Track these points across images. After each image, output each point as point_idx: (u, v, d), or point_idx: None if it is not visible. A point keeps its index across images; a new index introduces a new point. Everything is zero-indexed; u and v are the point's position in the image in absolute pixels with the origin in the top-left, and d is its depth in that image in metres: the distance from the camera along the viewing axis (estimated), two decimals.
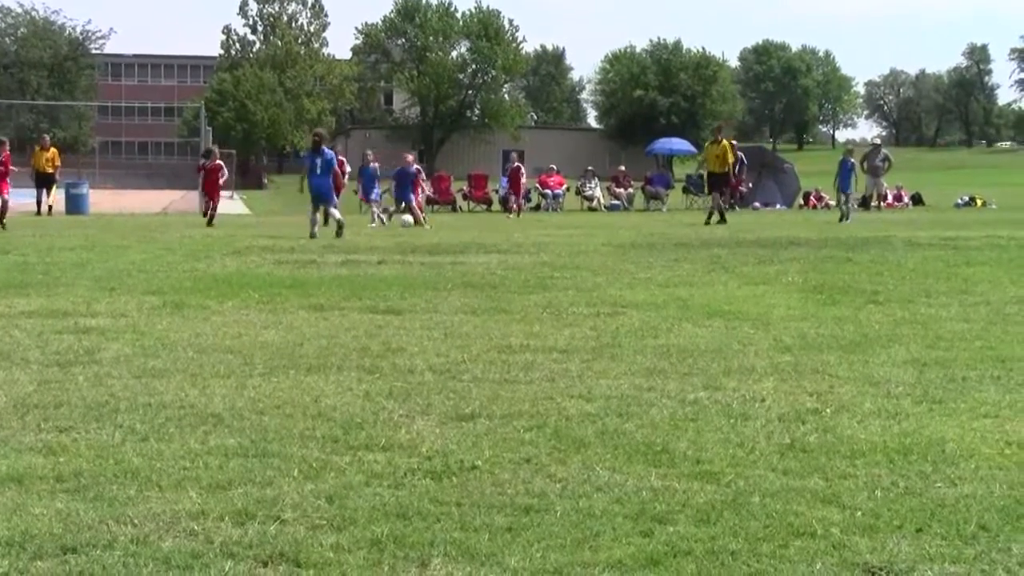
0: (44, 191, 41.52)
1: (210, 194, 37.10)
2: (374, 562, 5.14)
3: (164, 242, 23.93)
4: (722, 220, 33.67)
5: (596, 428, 7.61)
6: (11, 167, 33.10)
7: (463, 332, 11.73)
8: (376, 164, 38.91)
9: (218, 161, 37.96)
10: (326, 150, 29.13)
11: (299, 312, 13.29)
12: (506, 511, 5.84)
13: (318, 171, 28.17)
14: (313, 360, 10.10)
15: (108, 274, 17.84)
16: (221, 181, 37.93)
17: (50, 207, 40.63)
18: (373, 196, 38.10)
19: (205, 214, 36.02)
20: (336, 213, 28.12)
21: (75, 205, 45.71)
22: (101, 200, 52.35)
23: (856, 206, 40.66)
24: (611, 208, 54.29)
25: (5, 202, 31.78)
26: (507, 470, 6.59)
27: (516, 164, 46.87)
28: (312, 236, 26.04)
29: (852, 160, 39.23)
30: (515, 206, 44.78)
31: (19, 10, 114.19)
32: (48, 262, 20.30)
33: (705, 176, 40.71)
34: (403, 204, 34.44)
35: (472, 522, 5.67)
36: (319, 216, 28.38)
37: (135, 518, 5.69)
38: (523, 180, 47.49)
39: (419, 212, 34.80)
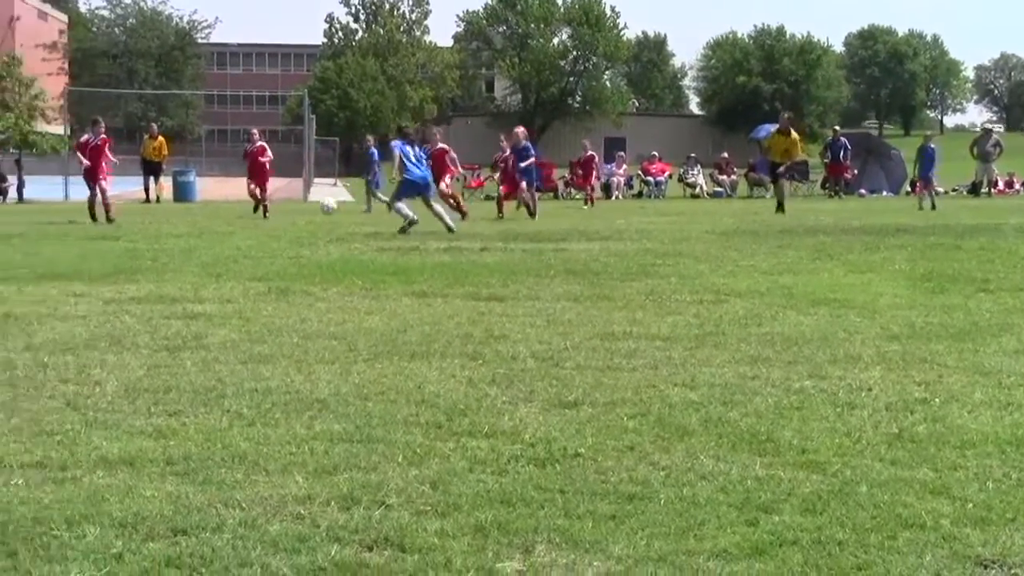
0: (152, 179, 41.95)
1: (258, 179, 34.52)
2: (478, 548, 5.15)
3: (269, 229, 24.10)
4: (780, 209, 33.40)
5: (700, 416, 7.57)
6: (109, 155, 31.38)
7: (565, 319, 11.72)
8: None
9: (260, 143, 35.52)
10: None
11: (402, 299, 13.34)
12: (609, 498, 5.83)
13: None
14: (416, 347, 10.13)
15: (215, 261, 18.01)
16: (265, 161, 34.71)
17: (158, 195, 41.02)
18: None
19: (256, 207, 33.92)
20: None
21: (183, 192, 46.27)
22: (208, 187, 52.89)
23: (966, 192, 40.23)
24: (714, 195, 54.11)
25: (101, 192, 30.11)
26: (610, 457, 6.57)
27: (589, 153, 46.44)
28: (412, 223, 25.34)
29: (932, 147, 38.76)
30: (589, 197, 44.18)
31: (128, 1, 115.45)
32: (156, 249, 20.54)
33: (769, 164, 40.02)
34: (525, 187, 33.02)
35: (576, 509, 5.67)
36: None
37: (243, 502, 5.75)
38: (596, 168, 47.19)
39: (455, 198, 32.12)
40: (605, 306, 12.66)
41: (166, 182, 44.70)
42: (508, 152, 34.22)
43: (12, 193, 50.74)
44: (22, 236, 24.00)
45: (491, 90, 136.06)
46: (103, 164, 30.52)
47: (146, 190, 41.46)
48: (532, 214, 31.84)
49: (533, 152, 33.99)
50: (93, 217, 29.48)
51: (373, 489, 5.94)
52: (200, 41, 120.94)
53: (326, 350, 9.94)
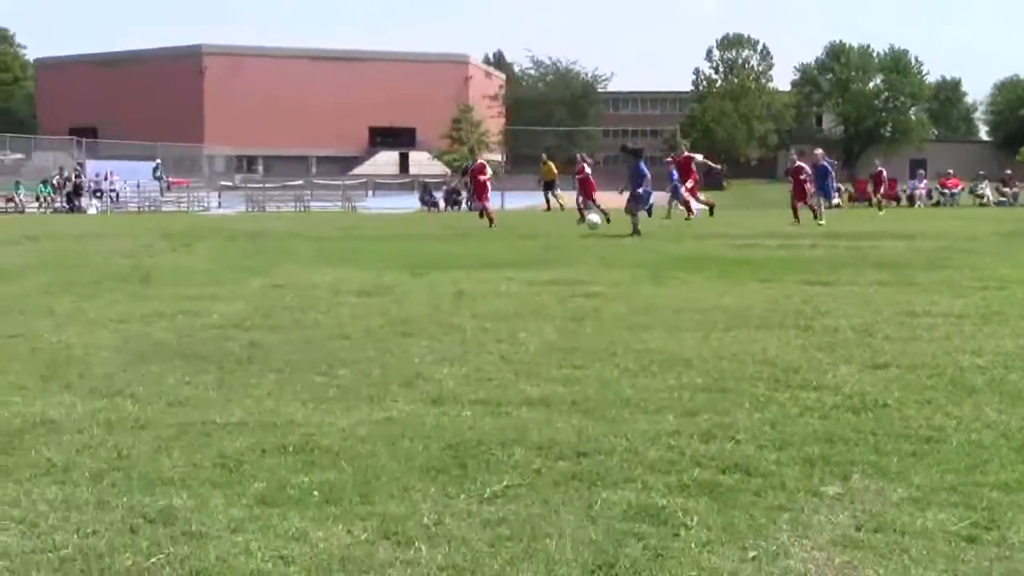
0: (549, 192, 42.39)
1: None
2: (806, 475, 5.05)
3: (645, 230, 24.09)
4: None
5: (985, 378, 7.22)
6: (480, 178, 30.57)
7: (877, 300, 11.35)
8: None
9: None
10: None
11: (749, 283, 13.16)
12: (911, 440, 5.63)
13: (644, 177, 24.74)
14: (760, 320, 9.98)
15: (606, 254, 18.16)
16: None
17: (561, 204, 41.28)
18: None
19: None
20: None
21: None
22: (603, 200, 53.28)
23: None
24: (999, 204, 51.86)
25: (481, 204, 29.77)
26: (912, 408, 6.33)
27: (879, 169, 44.23)
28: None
29: None
30: (879, 203, 41.44)
31: (548, 62, 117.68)
32: (561, 245, 20.85)
33: None
34: (823, 197, 30.39)
35: (884, 447, 5.48)
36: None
37: (628, 434, 5.77)
38: (884, 182, 45.19)
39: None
40: (909, 290, 12.20)
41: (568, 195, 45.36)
42: (794, 166, 32.40)
43: (464, 205, 52.49)
44: (471, 236, 24.71)
45: (820, 123, 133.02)
46: (483, 184, 30.50)
47: (547, 201, 41.91)
48: (815, 217, 29.06)
49: (831, 169, 31.65)
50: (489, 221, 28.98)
51: (726, 428, 5.89)
52: (600, 90, 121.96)
53: (691, 321, 9.89)
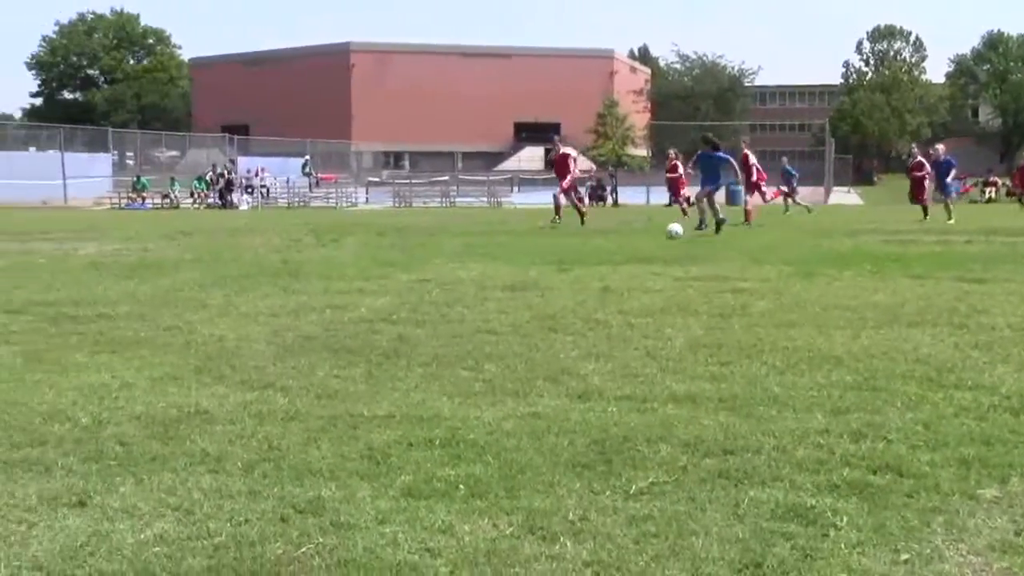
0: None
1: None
2: (961, 477, 4.92)
3: (797, 224, 23.75)
4: None
5: None
6: (570, 167, 28.57)
7: None
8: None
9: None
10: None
11: (901, 280, 12.89)
12: None
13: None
14: (912, 317, 9.77)
15: (755, 248, 17.95)
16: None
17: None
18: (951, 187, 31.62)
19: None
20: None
21: (732, 199, 46.51)
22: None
23: None
24: None
25: (566, 196, 28.19)
26: None
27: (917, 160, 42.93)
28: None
29: None
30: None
31: (694, 56, 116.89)
32: (705, 241, 20.65)
33: None
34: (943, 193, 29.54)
35: None
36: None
37: (775, 432, 5.70)
38: None
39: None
40: None
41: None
42: (915, 161, 31.39)
43: (610, 199, 52.41)
44: (617, 231, 24.63)
45: (976, 116, 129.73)
46: (567, 175, 28.32)
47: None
48: (949, 216, 27.75)
49: (954, 164, 30.30)
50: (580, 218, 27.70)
51: (877, 427, 5.77)
52: (747, 84, 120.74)
53: (841, 319, 9.73)
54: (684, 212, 28.93)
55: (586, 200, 51.45)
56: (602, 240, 20.42)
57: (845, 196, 57.41)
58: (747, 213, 27.48)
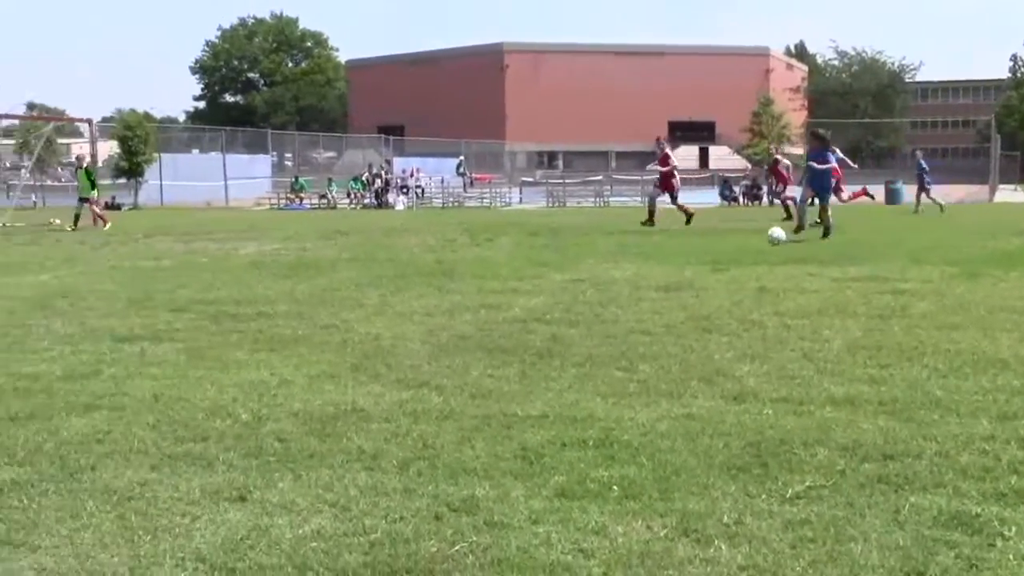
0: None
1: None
2: None
3: (960, 223, 23.13)
4: None
5: None
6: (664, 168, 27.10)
7: None
8: None
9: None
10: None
11: None
12: None
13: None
14: None
15: (916, 249, 17.53)
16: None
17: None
18: None
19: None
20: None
21: (893, 198, 45.61)
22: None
23: None
24: None
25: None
26: None
27: None
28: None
29: None
30: None
31: (852, 52, 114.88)
32: (863, 241, 20.24)
33: None
34: None
35: None
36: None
37: (938, 436, 5.56)
38: None
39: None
40: None
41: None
42: None
43: (765, 199, 51.71)
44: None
45: None
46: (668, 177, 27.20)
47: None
48: None
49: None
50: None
51: None
52: (908, 80, 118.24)
53: (1007, 321, 9.44)
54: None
55: (741, 199, 50.87)
56: (758, 240, 20.15)
57: (1012, 194, 55.65)
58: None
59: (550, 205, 53.66)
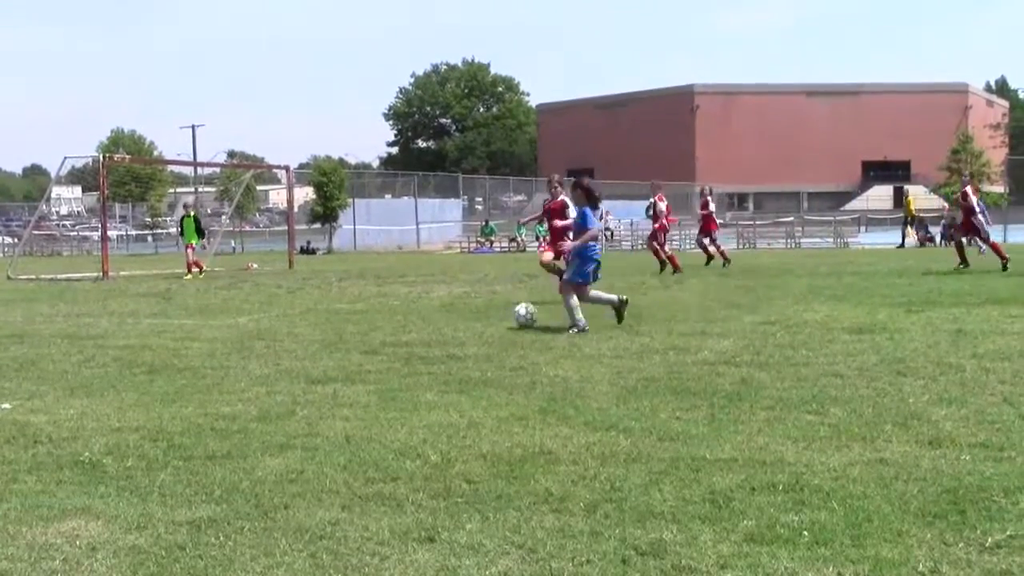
0: None
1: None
2: None
3: None
4: None
5: None
6: None
7: None
8: None
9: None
10: None
11: None
12: None
13: None
14: None
15: None
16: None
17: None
18: None
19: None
20: None
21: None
22: None
23: None
24: None
25: None
26: None
27: None
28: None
29: None
30: None
31: None
32: None
33: None
34: None
35: None
36: None
37: None
38: None
39: None
40: None
41: None
42: None
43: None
44: (971, 272, 23.54)
45: None
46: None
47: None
48: None
49: None
50: None
51: None
52: None
53: None
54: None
55: (937, 240, 49.42)
56: (955, 281, 19.59)
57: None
58: None
59: (741, 247, 53.14)
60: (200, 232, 31.67)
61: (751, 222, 66.97)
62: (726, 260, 28.12)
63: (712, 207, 29.58)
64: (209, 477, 5.99)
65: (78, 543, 4.84)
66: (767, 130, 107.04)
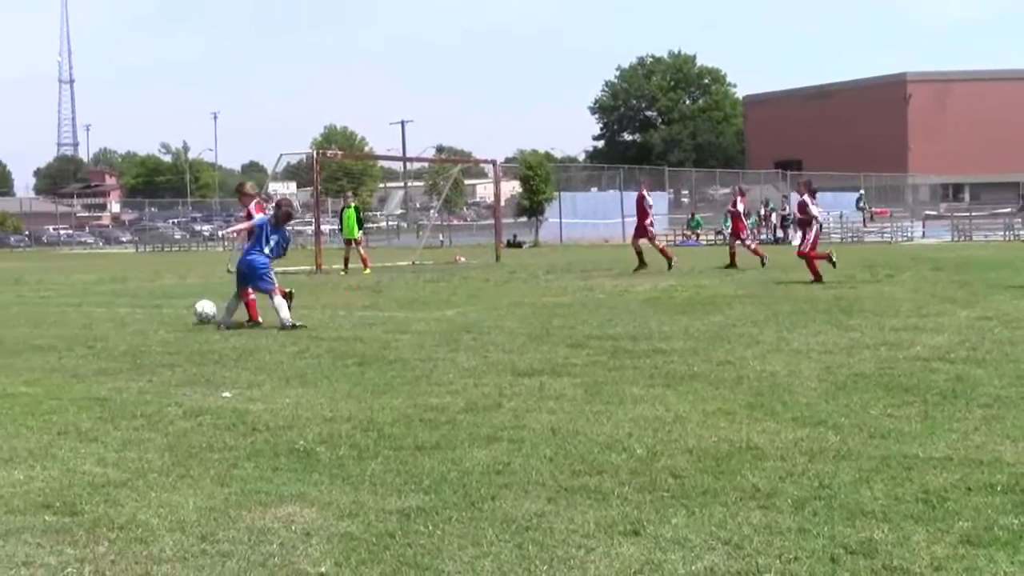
0: None
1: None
2: None
3: None
4: None
5: None
6: None
7: None
8: None
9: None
10: None
11: None
12: None
13: None
14: None
15: None
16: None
17: None
18: None
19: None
20: None
21: None
22: None
23: None
24: None
25: None
26: None
27: None
28: None
29: None
30: None
31: None
32: None
33: None
34: None
35: None
36: None
37: None
38: None
39: None
40: None
41: None
42: None
43: None
44: None
45: None
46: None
47: None
48: None
49: None
50: None
51: None
52: None
53: None
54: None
55: None
56: None
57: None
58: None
59: (955, 239, 51.49)
60: (360, 224, 30.83)
61: (967, 213, 64.77)
62: (762, 259, 26.85)
63: (741, 206, 28.85)
64: (418, 467, 6.10)
65: (294, 528, 4.99)
66: (983, 118, 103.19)
